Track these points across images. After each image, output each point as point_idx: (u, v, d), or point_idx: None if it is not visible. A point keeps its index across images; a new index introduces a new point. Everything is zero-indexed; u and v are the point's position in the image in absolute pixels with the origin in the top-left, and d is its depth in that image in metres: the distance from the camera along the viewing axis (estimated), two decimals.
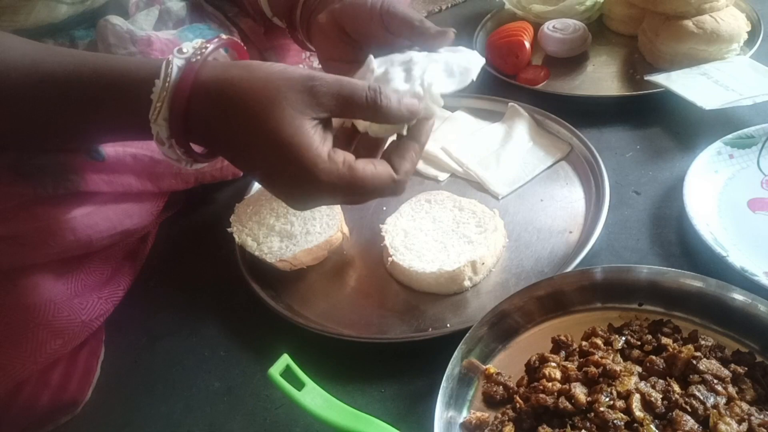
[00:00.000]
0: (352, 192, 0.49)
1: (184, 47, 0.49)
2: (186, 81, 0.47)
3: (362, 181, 0.49)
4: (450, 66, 0.56)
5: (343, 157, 0.48)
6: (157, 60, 0.49)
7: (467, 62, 0.58)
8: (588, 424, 0.46)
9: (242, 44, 0.55)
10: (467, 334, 0.52)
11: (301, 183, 0.48)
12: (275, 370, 0.49)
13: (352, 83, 0.49)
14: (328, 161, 0.48)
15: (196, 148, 0.52)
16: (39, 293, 0.58)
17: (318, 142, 0.48)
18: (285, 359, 0.50)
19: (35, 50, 0.53)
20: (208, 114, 0.48)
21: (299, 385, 0.50)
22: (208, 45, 0.50)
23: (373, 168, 0.49)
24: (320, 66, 0.70)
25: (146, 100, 0.47)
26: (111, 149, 0.64)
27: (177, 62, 0.48)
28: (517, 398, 0.50)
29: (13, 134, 0.55)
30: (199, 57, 0.48)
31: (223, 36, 0.52)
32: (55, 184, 0.59)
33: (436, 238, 0.65)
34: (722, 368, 0.49)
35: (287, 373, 0.50)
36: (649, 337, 0.53)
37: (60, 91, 0.51)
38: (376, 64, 0.57)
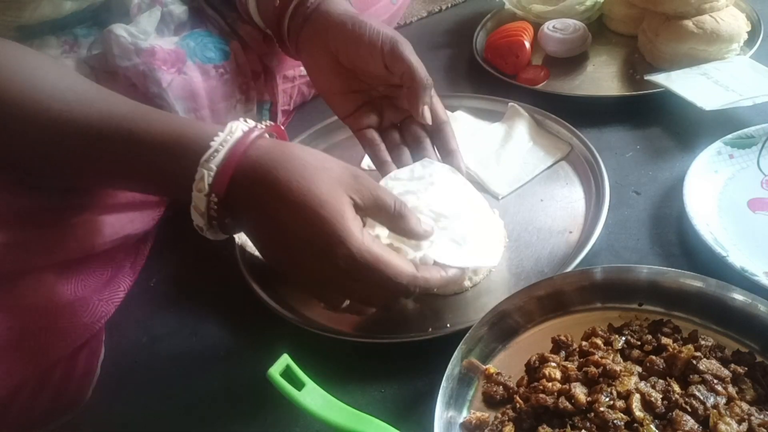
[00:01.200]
0: (370, 274, 0.49)
1: (233, 127, 0.50)
2: (237, 151, 0.49)
3: (386, 263, 0.49)
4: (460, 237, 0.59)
5: (373, 237, 0.50)
6: (210, 126, 0.51)
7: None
8: (588, 424, 0.46)
9: (284, 130, 0.57)
10: (467, 334, 0.52)
11: (327, 255, 0.48)
12: (275, 370, 0.49)
13: (386, 189, 0.54)
14: (359, 234, 0.48)
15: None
16: (41, 297, 0.58)
17: (352, 217, 0.49)
18: (285, 359, 0.50)
19: (84, 90, 0.54)
20: (253, 174, 0.49)
21: (299, 385, 0.50)
22: (254, 130, 0.51)
23: (398, 257, 0.51)
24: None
25: (194, 164, 0.49)
26: None
27: (230, 135, 0.50)
28: (517, 398, 0.50)
29: (30, 166, 0.56)
30: (249, 137, 0.50)
31: (269, 123, 0.53)
32: (61, 196, 0.59)
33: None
34: (722, 368, 0.49)
35: (287, 373, 0.50)
36: (649, 337, 0.53)
37: (103, 143, 0.51)
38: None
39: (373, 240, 0.50)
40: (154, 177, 0.52)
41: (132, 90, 0.69)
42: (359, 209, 0.51)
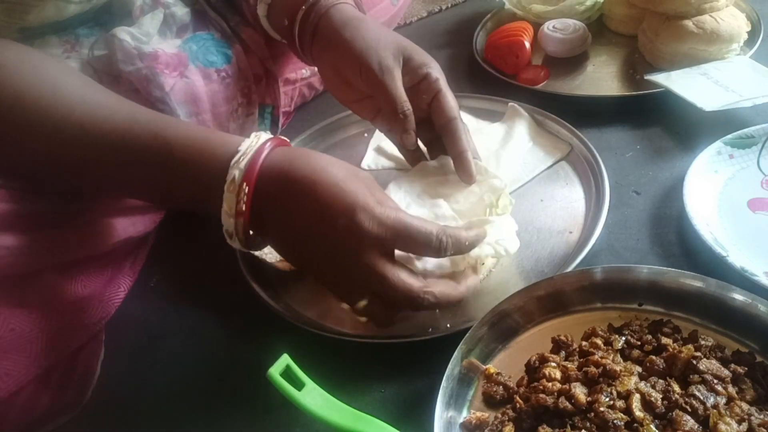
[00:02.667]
0: (395, 238, 0.51)
1: (259, 135, 0.54)
2: (261, 153, 0.52)
3: (413, 224, 0.51)
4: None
5: (396, 206, 0.53)
6: (230, 135, 0.55)
7: (500, 234, 0.61)
8: (588, 424, 0.46)
9: (287, 140, 0.58)
10: (467, 334, 0.52)
11: (352, 230, 0.50)
12: (275, 370, 0.49)
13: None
14: (380, 206, 0.50)
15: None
16: (42, 298, 0.58)
17: (370, 193, 0.52)
18: (285, 359, 0.50)
19: (107, 100, 0.56)
20: (278, 169, 0.52)
21: (299, 385, 0.50)
22: (275, 139, 0.55)
23: (421, 219, 0.52)
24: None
25: (224, 164, 0.52)
26: None
27: (256, 140, 0.53)
28: (517, 398, 0.50)
29: (51, 173, 0.58)
30: (269, 143, 0.54)
31: (273, 137, 0.55)
32: (66, 200, 0.60)
33: None
34: (722, 368, 0.49)
35: (287, 373, 0.50)
36: (649, 337, 0.53)
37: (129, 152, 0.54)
38: None
39: (396, 207, 0.52)
40: (181, 182, 0.54)
41: (134, 94, 0.69)
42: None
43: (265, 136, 0.54)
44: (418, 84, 0.65)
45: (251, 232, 0.54)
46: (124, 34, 0.68)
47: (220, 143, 0.53)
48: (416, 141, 0.68)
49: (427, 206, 0.64)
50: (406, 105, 0.64)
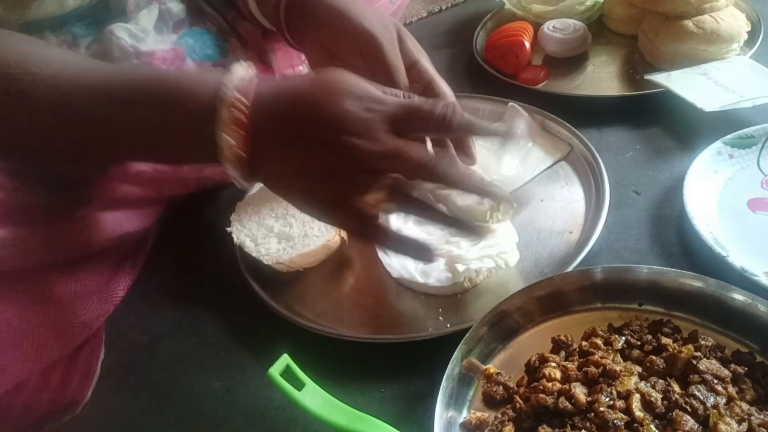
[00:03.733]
0: (403, 114, 0.48)
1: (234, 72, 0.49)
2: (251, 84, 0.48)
3: (419, 108, 0.48)
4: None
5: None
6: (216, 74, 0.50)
7: (501, 245, 0.62)
8: (588, 424, 0.46)
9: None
10: (467, 334, 0.52)
11: (347, 112, 0.46)
12: (275, 370, 0.49)
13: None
14: (380, 92, 0.48)
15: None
16: (40, 295, 0.58)
17: (384, 130, 0.47)
18: (285, 359, 0.50)
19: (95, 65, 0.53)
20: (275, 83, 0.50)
21: (299, 385, 0.50)
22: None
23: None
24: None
25: (218, 83, 0.47)
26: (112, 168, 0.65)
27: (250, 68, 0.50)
28: (517, 398, 0.50)
29: (49, 146, 0.53)
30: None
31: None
32: (60, 193, 0.59)
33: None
34: (722, 368, 0.49)
35: (287, 373, 0.50)
36: (649, 337, 0.53)
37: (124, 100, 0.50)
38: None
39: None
40: (175, 108, 0.49)
41: None
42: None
43: (245, 67, 0.50)
44: (409, 70, 0.63)
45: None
46: (120, 31, 0.68)
47: (212, 74, 0.49)
48: None
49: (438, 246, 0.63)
50: (405, 77, 0.61)
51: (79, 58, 0.54)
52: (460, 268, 0.60)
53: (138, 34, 0.69)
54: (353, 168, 0.48)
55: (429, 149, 0.56)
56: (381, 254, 0.65)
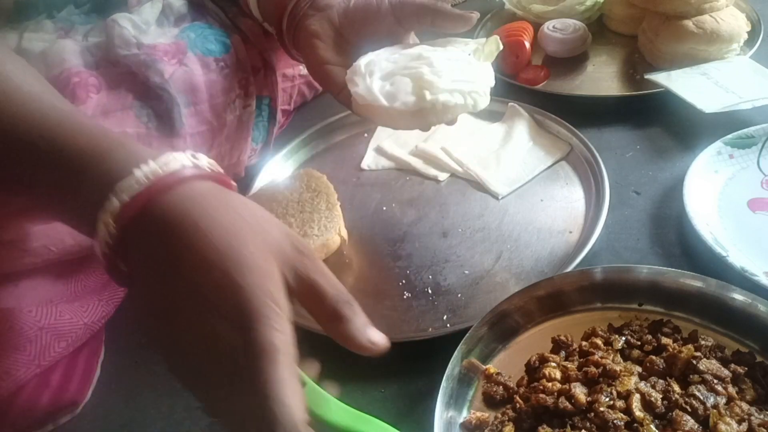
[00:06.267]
0: (254, 392, 0.34)
1: (170, 158, 0.40)
2: (161, 185, 0.38)
3: (280, 396, 0.34)
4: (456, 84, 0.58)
5: (290, 352, 0.36)
6: (146, 152, 0.40)
7: (475, 84, 0.59)
8: (588, 424, 0.46)
9: (232, 183, 0.43)
10: (467, 334, 0.52)
11: (223, 337, 0.35)
12: None
13: (332, 277, 0.41)
14: (279, 328, 0.35)
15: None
16: (41, 297, 0.58)
17: (279, 299, 0.36)
18: None
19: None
20: (169, 214, 0.38)
21: None
22: (194, 168, 0.40)
23: (299, 396, 0.36)
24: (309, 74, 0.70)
25: (108, 188, 0.38)
26: None
27: (164, 166, 0.39)
28: (517, 398, 0.50)
29: None
30: (183, 173, 0.39)
31: (210, 170, 0.42)
32: None
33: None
34: (722, 368, 0.49)
35: None
36: (649, 337, 0.53)
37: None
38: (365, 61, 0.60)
39: (287, 352, 0.36)
40: (62, 193, 0.42)
41: (131, 78, 0.69)
42: (289, 292, 0.38)
43: (182, 161, 0.40)
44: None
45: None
46: (124, 20, 0.68)
47: (120, 159, 0.40)
48: None
49: (410, 71, 0.60)
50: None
51: (41, 92, 0.46)
52: (428, 95, 0.57)
53: (141, 26, 0.69)
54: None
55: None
56: (349, 83, 0.61)
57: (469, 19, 0.60)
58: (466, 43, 0.63)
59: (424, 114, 0.58)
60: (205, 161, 0.42)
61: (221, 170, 0.43)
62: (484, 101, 0.59)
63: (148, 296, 0.39)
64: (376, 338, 0.42)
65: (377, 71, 0.60)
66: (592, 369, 0.49)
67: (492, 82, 0.61)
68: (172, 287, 0.37)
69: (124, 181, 0.38)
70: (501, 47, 0.62)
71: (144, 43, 0.68)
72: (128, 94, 0.68)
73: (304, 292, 0.39)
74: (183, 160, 0.40)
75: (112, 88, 0.67)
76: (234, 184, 0.44)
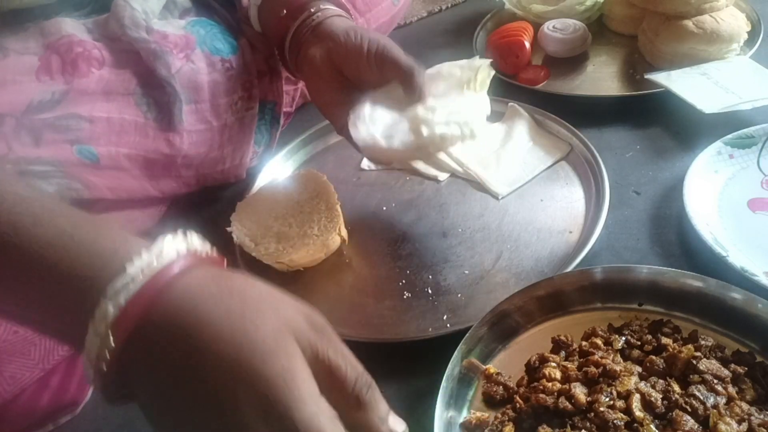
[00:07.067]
0: None
1: (164, 248, 0.36)
2: (157, 284, 0.35)
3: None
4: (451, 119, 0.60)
5: (332, 415, 0.35)
6: (135, 243, 0.37)
7: (469, 117, 0.61)
8: (588, 424, 0.46)
9: (222, 259, 0.41)
10: (467, 334, 0.52)
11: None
12: None
13: (351, 357, 0.38)
14: (313, 405, 0.34)
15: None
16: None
17: (305, 377, 0.35)
18: None
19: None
20: (172, 315, 0.34)
21: None
22: (189, 255, 0.37)
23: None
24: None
25: (99, 292, 0.34)
26: (104, 149, 0.64)
27: (158, 258, 0.36)
28: (517, 398, 0.50)
29: None
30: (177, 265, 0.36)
31: (210, 251, 0.40)
32: (60, 194, 0.59)
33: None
34: (722, 368, 0.49)
35: None
36: (649, 337, 0.53)
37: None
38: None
39: (331, 418, 0.35)
40: (40, 301, 0.37)
41: (137, 60, 0.68)
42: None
43: (176, 247, 0.37)
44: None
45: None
46: (136, 2, 0.68)
47: (107, 254, 0.36)
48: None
49: (407, 114, 0.62)
50: (422, 75, 0.62)
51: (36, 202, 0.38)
52: (425, 131, 0.59)
53: (148, 13, 0.69)
54: None
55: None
56: (351, 128, 0.63)
57: (420, 99, 0.61)
58: (461, 68, 0.64)
59: (423, 148, 0.60)
60: (197, 240, 0.39)
61: (209, 249, 0.40)
62: (480, 128, 0.61)
63: (164, 410, 0.36)
64: (399, 429, 0.41)
65: (379, 121, 0.62)
66: (592, 369, 0.49)
67: (487, 111, 0.63)
68: (192, 392, 0.34)
69: (117, 280, 0.34)
70: (492, 74, 0.64)
71: (154, 29, 0.68)
72: (133, 78, 0.67)
73: (321, 372, 0.37)
74: (177, 244, 0.37)
75: (117, 68, 0.67)
76: (224, 259, 0.41)
